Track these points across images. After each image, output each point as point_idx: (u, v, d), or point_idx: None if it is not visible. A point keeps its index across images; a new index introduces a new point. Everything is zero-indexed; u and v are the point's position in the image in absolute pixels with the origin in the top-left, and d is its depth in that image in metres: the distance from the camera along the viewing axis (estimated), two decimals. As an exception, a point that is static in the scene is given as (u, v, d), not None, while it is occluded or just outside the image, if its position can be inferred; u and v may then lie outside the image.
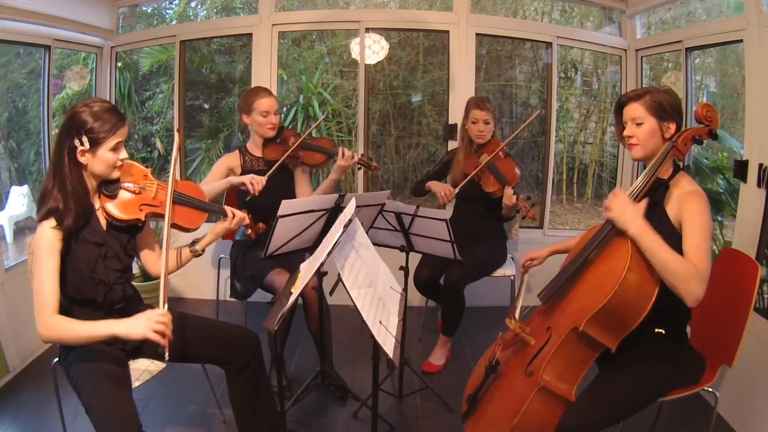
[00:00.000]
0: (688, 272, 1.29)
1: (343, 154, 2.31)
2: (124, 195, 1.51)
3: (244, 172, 2.35)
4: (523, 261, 1.82)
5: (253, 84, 3.15)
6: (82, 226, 1.44)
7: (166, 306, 1.39)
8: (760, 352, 1.92)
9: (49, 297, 1.34)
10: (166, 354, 1.34)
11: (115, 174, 1.48)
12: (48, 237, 1.37)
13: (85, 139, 1.39)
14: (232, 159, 2.39)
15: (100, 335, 1.33)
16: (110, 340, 1.52)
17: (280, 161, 2.28)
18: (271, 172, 2.23)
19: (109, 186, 1.49)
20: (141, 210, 1.52)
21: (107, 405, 1.35)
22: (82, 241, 1.44)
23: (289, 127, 4.50)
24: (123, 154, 1.46)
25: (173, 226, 1.58)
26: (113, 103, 3.52)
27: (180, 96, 3.35)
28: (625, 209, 1.37)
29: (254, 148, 2.41)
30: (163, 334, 1.33)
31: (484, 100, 2.55)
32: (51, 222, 1.38)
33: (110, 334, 1.33)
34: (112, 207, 1.49)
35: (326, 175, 2.45)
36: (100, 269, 1.47)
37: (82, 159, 1.41)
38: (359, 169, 2.53)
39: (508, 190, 2.29)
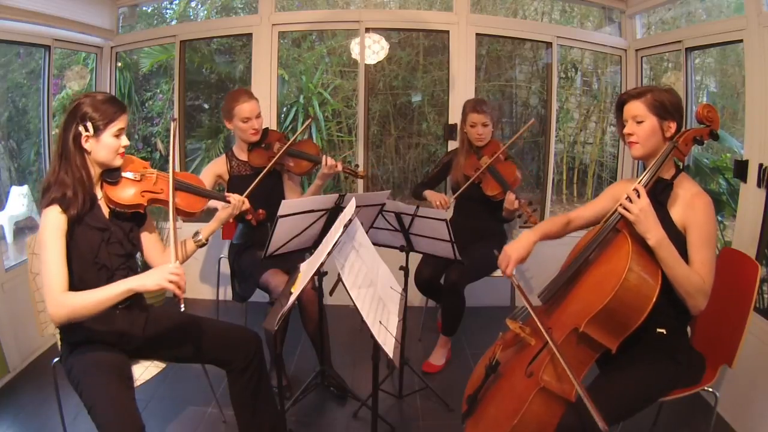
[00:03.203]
0: (696, 287, 1.33)
1: (326, 162, 2.28)
2: (125, 183, 1.55)
3: (231, 177, 2.35)
4: (510, 270, 1.53)
5: (253, 84, 3.15)
6: (85, 213, 1.46)
7: (178, 261, 1.42)
8: (760, 352, 1.92)
9: (56, 277, 1.35)
10: (182, 305, 1.38)
11: (118, 161, 1.51)
12: (54, 220, 1.39)
13: (89, 124, 1.43)
14: (219, 165, 2.36)
15: (117, 294, 1.35)
16: (113, 339, 1.53)
17: (262, 173, 2.20)
18: (249, 190, 2.06)
19: (111, 174, 1.53)
20: (143, 196, 1.56)
21: (110, 405, 1.35)
22: (86, 227, 1.47)
23: (289, 128, 4.50)
24: (125, 141, 1.51)
25: (176, 211, 1.60)
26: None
27: (180, 96, 3.35)
28: (647, 216, 1.35)
29: (240, 152, 2.39)
30: (178, 285, 1.36)
31: (482, 102, 2.55)
32: (56, 208, 1.40)
33: (126, 289, 1.35)
34: (115, 193, 1.52)
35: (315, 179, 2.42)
36: (103, 254, 1.50)
37: (86, 145, 1.45)
38: (346, 178, 2.47)
39: (510, 196, 2.29)
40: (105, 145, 1.47)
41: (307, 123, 2.57)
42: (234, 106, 2.25)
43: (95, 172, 1.51)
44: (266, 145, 2.35)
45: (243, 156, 2.38)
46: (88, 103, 1.44)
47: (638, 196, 1.37)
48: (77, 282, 1.47)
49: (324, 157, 2.30)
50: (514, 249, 1.54)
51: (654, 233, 1.35)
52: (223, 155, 2.40)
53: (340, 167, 2.31)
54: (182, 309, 1.39)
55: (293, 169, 2.37)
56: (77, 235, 1.45)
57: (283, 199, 2.40)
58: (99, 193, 1.54)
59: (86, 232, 1.47)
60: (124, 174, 1.55)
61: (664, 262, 1.34)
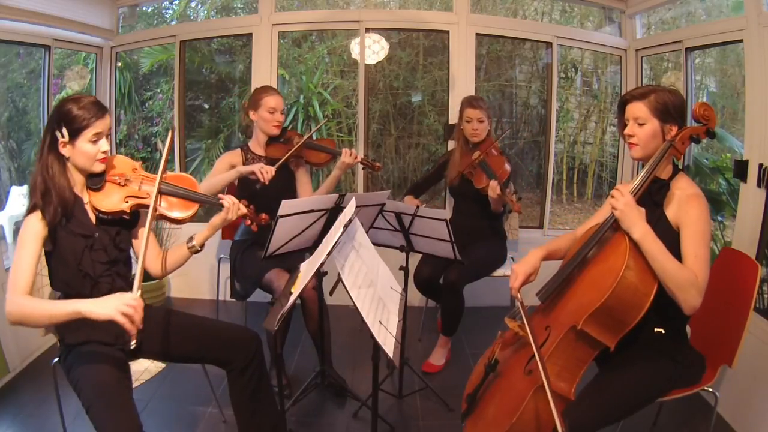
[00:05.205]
0: (688, 281, 1.31)
1: (347, 153, 2.36)
2: (109, 187, 1.51)
3: None
4: (518, 286, 1.54)
5: (254, 84, 3.15)
6: (68, 219, 1.44)
7: (139, 292, 1.33)
8: (760, 352, 1.92)
9: (22, 278, 1.33)
10: (133, 342, 1.28)
11: (98, 167, 1.47)
12: (33, 225, 1.39)
13: (64, 130, 1.40)
14: (234, 157, 2.39)
15: (64, 313, 1.28)
16: (110, 339, 1.52)
17: (286, 156, 2.30)
18: (279, 163, 2.25)
19: (94, 179, 1.50)
20: (126, 201, 1.51)
21: (107, 405, 1.35)
22: (69, 234, 1.45)
23: (290, 127, 4.50)
24: (104, 146, 1.46)
25: (161, 217, 1.57)
26: (113, 103, 3.53)
27: (180, 96, 3.35)
28: (631, 210, 1.36)
29: (256, 147, 2.42)
30: (131, 320, 1.26)
31: (478, 98, 2.57)
32: (38, 214, 1.40)
33: (74, 311, 1.27)
34: (97, 199, 1.49)
35: (326, 175, 2.47)
36: (87, 261, 1.47)
37: (63, 151, 1.43)
38: (363, 168, 2.55)
39: (493, 183, 2.29)
40: (81, 151, 1.43)
41: (324, 120, 2.70)
42: (263, 96, 2.33)
43: (76, 178, 1.48)
44: (285, 139, 2.42)
45: (259, 151, 2.41)
46: (65, 108, 1.41)
47: (621, 193, 1.39)
48: (65, 288, 1.48)
49: (344, 149, 2.38)
50: (521, 267, 1.55)
51: (638, 228, 1.34)
52: (238, 149, 2.43)
53: (359, 158, 2.39)
54: (132, 347, 1.29)
55: (312, 159, 2.43)
56: (61, 241, 1.44)
57: (295, 193, 2.45)
58: (86, 198, 1.51)
59: (70, 239, 1.45)
60: (108, 178, 1.51)
61: (650, 255, 1.32)
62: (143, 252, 1.44)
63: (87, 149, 1.43)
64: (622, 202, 1.37)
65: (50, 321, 1.32)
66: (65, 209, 1.44)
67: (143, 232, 1.62)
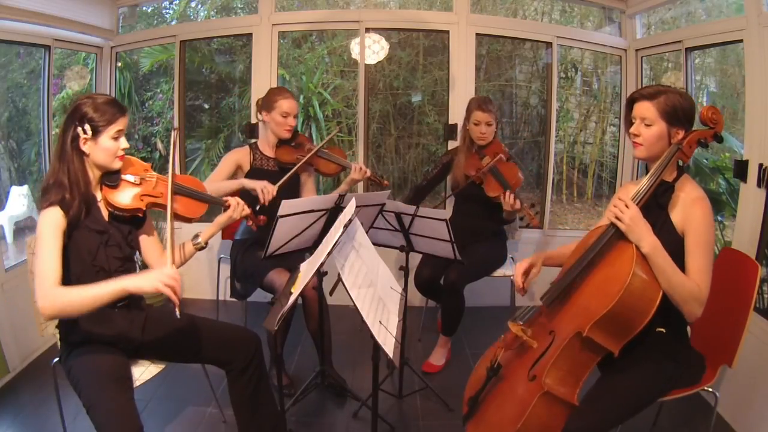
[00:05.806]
0: (691, 294, 1.32)
1: (356, 169, 2.34)
2: (125, 186, 1.54)
3: (252, 170, 2.35)
4: (521, 271, 1.59)
5: (253, 84, 3.15)
6: (84, 215, 1.46)
7: (174, 266, 1.41)
8: (760, 352, 1.92)
9: (50, 271, 1.33)
10: (178, 312, 1.36)
11: (116, 164, 1.51)
12: (53, 217, 1.39)
13: (87, 127, 1.43)
14: (242, 155, 2.36)
15: (112, 292, 1.31)
16: (112, 339, 1.53)
17: (293, 170, 2.27)
18: (281, 182, 2.21)
19: (110, 177, 1.52)
20: (142, 200, 1.55)
21: (108, 406, 1.35)
22: (84, 229, 1.46)
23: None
24: (124, 143, 1.50)
25: (174, 216, 1.59)
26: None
27: (180, 96, 3.34)
28: (637, 225, 1.34)
29: (266, 147, 2.40)
30: (174, 290, 1.33)
31: (487, 101, 2.52)
32: (57, 209, 1.40)
33: (121, 288, 1.32)
34: (114, 196, 1.51)
35: (326, 180, 2.46)
36: (101, 256, 1.49)
37: (84, 147, 1.45)
38: (371, 184, 2.53)
39: (510, 197, 2.28)
40: (103, 147, 1.46)
41: (336, 131, 2.75)
42: (277, 99, 2.31)
43: (94, 174, 1.51)
44: (296, 144, 2.40)
45: (268, 152, 2.39)
46: (87, 104, 1.44)
47: (626, 205, 1.37)
48: (76, 283, 1.47)
49: (354, 164, 2.37)
50: (522, 261, 1.60)
51: (647, 241, 1.33)
52: (246, 146, 2.40)
53: (369, 173, 2.37)
54: (178, 316, 1.36)
55: (322, 168, 2.42)
56: (76, 237, 1.45)
57: (298, 196, 2.43)
58: (99, 195, 1.53)
59: (85, 235, 1.46)
60: (123, 177, 1.54)
61: (658, 269, 1.32)
62: (170, 229, 1.48)
63: (108, 145, 1.46)
64: (628, 216, 1.35)
65: (95, 305, 1.31)
66: (87, 205, 1.46)
67: (155, 238, 1.71)
